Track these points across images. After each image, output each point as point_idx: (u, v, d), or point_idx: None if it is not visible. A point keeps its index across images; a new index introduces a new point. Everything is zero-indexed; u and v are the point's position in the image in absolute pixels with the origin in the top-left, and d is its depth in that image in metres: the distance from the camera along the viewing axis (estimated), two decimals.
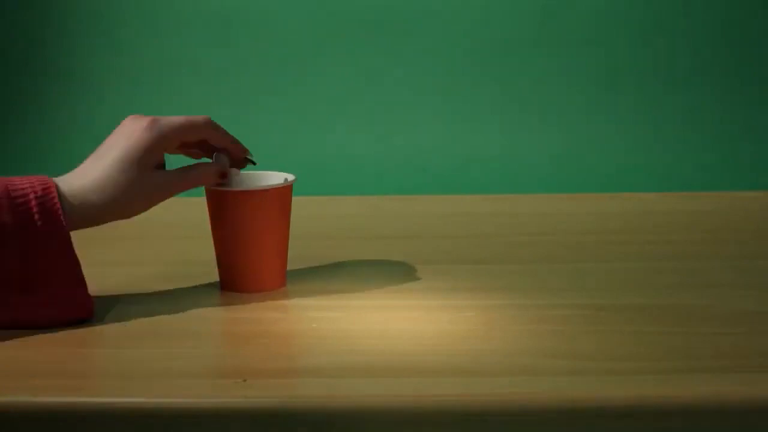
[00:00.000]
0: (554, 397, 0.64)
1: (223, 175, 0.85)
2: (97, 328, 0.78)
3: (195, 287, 0.88)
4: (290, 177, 0.88)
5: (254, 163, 0.87)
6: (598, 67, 1.31)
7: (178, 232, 1.09)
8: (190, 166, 0.84)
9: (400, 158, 1.33)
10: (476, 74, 1.32)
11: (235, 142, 0.85)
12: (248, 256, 0.85)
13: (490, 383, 0.66)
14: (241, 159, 0.86)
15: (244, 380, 0.67)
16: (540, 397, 0.64)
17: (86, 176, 0.79)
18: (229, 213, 0.85)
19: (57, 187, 0.77)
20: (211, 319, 0.80)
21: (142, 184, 0.80)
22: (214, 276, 0.90)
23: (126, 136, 0.80)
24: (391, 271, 0.93)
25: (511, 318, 0.79)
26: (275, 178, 0.88)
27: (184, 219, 1.14)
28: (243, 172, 0.88)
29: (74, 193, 0.78)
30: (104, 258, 0.99)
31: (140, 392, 0.65)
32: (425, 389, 0.65)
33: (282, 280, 0.88)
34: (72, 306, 0.78)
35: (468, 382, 0.66)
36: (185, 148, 0.85)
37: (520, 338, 0.74)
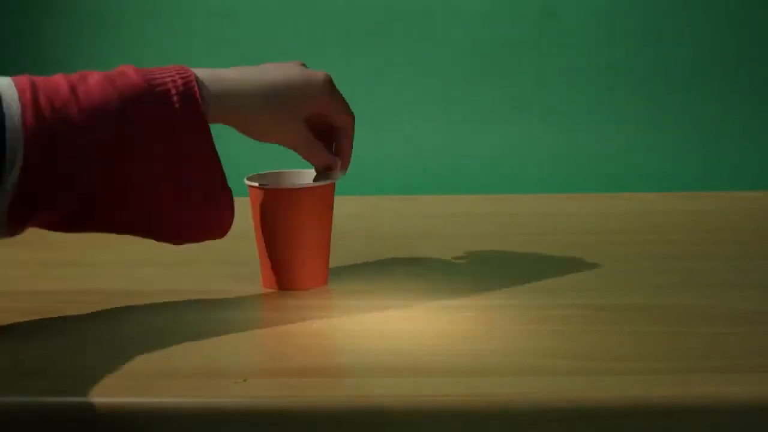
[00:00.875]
0: (554, 397, 0.64)
1: (329, 168, 0.86)
2: (98, 328, 0.78)
3: (194, 288, 0.88)
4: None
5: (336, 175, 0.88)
6: (598, 68, 1.31)
7: None
8: (318, 141, 0.85)
9: (400, 158, 1.33)
10: (476, 74, 1.32)
11: (348, 152, 0.87)
12: (293, 254, 0.86)
13: (490, 383, 0.66)
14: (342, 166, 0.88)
15: (244, 380, 0.67)
16: (540, 397, 0.64)
17: (249, 76, 0.80)
18: (276, 211, 0.85)
19: (198, 79, 0.77)
20: (211, 319, 0.80)
21: (289, 118, 0.81)
22: (213, 276, 0.90)
23: (303, 74, 0.82)
24: (391, 271, 0.93)
25: (511, 318, 0.79)
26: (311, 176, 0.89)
27: None
28: (283, 170, 0.90)
29: (223, 85, 0.78)
30: (106, 258, 0.99)
31: (140, 392, 0.65)
32: (425, 389, 0.65)
33: (324, 277, 0.89)
34: (216, 207, 0.79)
35: (468, 382, 0.66)
36: (314, 121, 0.86)
37: (520, 338, 0.74)
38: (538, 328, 0.77)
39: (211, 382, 0.67)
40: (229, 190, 0.80)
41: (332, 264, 0.93)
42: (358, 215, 1.17)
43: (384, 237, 1.06)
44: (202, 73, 0.78)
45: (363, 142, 1.33)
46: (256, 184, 0.85)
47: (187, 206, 0.77)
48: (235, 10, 1.31)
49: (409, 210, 1.20)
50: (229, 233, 0.99)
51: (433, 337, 0.75)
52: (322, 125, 0.86)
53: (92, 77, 0.74)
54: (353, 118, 0.86)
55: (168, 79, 0.76)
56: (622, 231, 1.07)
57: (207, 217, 0.79)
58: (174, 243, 0.81)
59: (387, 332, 0.76)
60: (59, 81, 0.73)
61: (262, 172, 0.89)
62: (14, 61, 1.33)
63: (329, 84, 0.83)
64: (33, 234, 1.01)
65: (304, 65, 0.85)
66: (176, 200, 0.77)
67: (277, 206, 0.85)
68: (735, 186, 1.28)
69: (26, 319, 0.80)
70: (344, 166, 0.88)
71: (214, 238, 0.82)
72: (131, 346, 0.74)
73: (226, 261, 0.96)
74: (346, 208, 1.20)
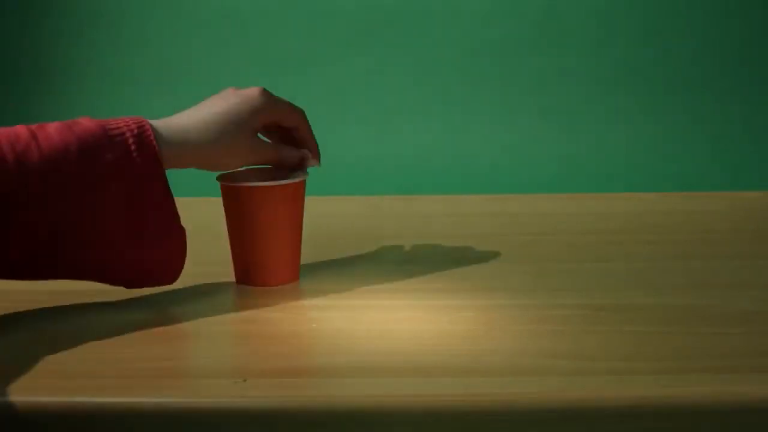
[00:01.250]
0: (554, 397, 0.64)
1: (303, 160, 0.89)
2: (98, 328, 0.78)
3: (194, 287, 0.88)
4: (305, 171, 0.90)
5: (318, 165, 0.91)
6: (599, 68, 1.31)
7: None
8: (279, 144, 0.89)
9: (400, 158, 1.33)
10: (476, 74, 1.32)
11: (313, 141, 0.90)
12: (261, 251, 0.87)
13: (490, 383, 0.66)
14: (312, 156, 0.90)
15: (244, 380, 0.67)
16: (540, 397, 0.64)
17: (191, 117, 0.82)
18: (243, 207, 0.86)
19: (152, 125, 0.79)
20: (211, 319, 0.80)
21: (241, 140, 0.84)
22: (214, 276, 0.90)
23: (238, 96, 0.84)
24: (391, 271, 0.93)
25: (511, 318, 0.79)
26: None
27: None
28: (256, 167, 0.90)
29: (172, 131, 0.80)
30: None
31: (140, 392, 0.65)
32: (425, 389, 0.65)
33: (295, 273, 0.89)
34: (169, 243, 0.81)
35: (468, 382, 0.66)
36: (269, 129, 0.89)
37: (520, 338, 0.74)
38: (538, 328, 0.77)
39: (211, 382, 0.67)
40: (183, 230, 0.81)
41: (332, 264, 0.93)
42: (358, 215, 1.17)
43: (384, 237, 1.06)
44: (154, 121, 0.81)
45: (363, 142, 1.34)
46: (228, 182, 0.87)
47: (140, 246, 0.79)
48: (235, 10, 1.31)
49: (409, 210, 1.20)
50: (206, 232, 1.00)
51: (433, 337, 0.75)
52: (279, 129, 0.89)
53: (50, 125, 0.77)
54: (301, 112, 0.88)
55: (123, 126, 0.78)
56: (622, 231, 1.07)
57: (160, 257, 0.81)
58: (126, 287, 0.83)
59: (387, 332, 0.76)
60: (19, 128, 0.76)
61: (234, 171, 0.90)
62: (14, 61, 1.33)
63: (265, 94, 0.85)
64: None
65: (238, 88, 0.86)
66: (130, 241, 0.78)
67: (247, 203, 0.86)
68: (735, 186, 1.28)
69: (15, 320, 0.80)
70: (315, 156, 0.90)
71: (166, 281, 0.83)
72: (131, 346, 0.74)
73: (204, 261, 0.95)
74: (346, 208, 1.20)
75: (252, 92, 0.85)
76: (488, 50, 1.31)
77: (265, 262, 0.87)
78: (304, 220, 0.90)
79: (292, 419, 0.64)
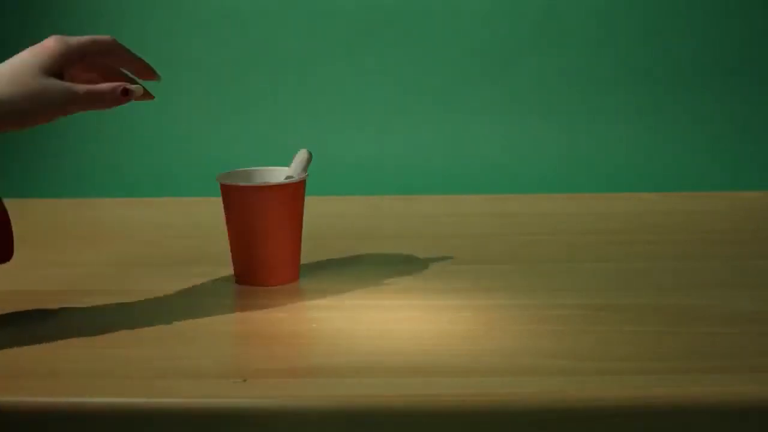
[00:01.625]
0: (554, 397, 0.64)
1: (125, 92, 0.78)
2: (97, 328, 0.78)
3: (194, 287, 0.88)
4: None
5: (158, 78, 0.83)
6: (599, 67, 1.31)
7: (173, 232, 1.09)
8: (84, 84, 0.78)
9: (400, 158, 1.33)
10: (476, 74, 1.32)
11: (140, 60, 0.82)
12: (261, 251, 0.87)
13: (490, 383, 0.66)
14: (145, 75, 0.82)
15: (244, 380, 0.67)
16: (540, 397, 0.64)
17: None
18: (243, 207, 0.86)
19: None
20: (211, 319, 0.80)
21: (38, 87, 0.75)
22: (214, 276, 0.90)
23: (29, 49, 0.77)
24: (391, 271, 0.93)
25: (511, 318, 0.79)
26: (286, 172, 0.91)
27: (178, 219, 1.14)
28: (256, 168, 0.90)
29: None
30: (102, 257, 0.99)
31: (140, 392, 0.65)
32: (425, 389, 0.65)
33: (295, 273, 0.90)
34: None
35: (468, 382, 0.66)
36: (87, 72, 0.82)
37: (520, 338, 0.74)
38: (538, 328, 0.77)
39: (211, 382, 0.67)
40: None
41: (332, 264, 0.93)
42: (358, 215, 1.17)
43: (384, 237, 1.06)
44: None
45: (363, 142, 1.34)
46: (228, 182, 0.87)
47: None
48: (235, 10, 1.31)
49: (409, 210, 1.20)
50: (206, 232, 0.99)
51: (433, 337, 0.75)
52: (105, 74, 0.82)
53: None
54: (108, 38, 0.80)
55: None
56: (622, 231, 1.07)
57: None
58: None
59: (387, 332, 0.76)
60: None
61: (234, 170, 0.91)
62: None
63: (60, 37, 0.78)
64: (18, 236, 1.00)
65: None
66: None
67: (247, 203, 0.86)
68: (735, 186, 1.28)
69: (17, 320, 0.80)
70: (149, 73, 0.82)
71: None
72: (130, 346, 0.74)
73: (204, 261, 0.95)
74: (346, 207, 1.20)
75: (45, 41, 0.77)
76: (488, 50, 1.31)
77: (265, 262, 0.87)
78: (304, 220, 0.90)
79: (292, 419, 0.64)
